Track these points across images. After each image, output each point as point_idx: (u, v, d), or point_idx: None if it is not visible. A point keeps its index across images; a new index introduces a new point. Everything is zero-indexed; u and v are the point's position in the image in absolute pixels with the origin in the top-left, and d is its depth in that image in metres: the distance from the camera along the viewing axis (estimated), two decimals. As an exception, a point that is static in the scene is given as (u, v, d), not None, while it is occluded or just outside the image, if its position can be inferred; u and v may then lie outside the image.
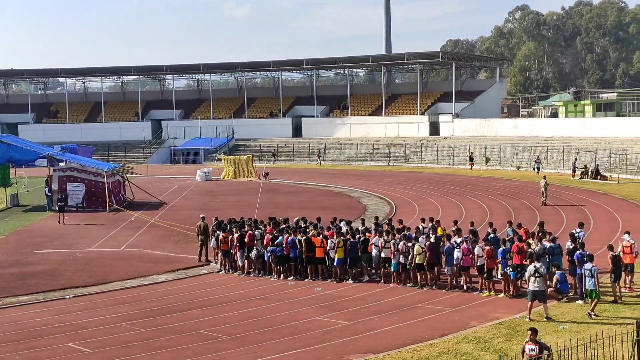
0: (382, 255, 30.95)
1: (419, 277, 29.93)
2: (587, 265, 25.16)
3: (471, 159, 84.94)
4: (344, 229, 33.62)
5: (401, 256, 30.11)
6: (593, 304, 24.76)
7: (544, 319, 24.13)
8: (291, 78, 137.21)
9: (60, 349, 22.98)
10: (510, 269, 27.56)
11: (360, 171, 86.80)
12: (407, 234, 31.67)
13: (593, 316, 24.36)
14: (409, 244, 30.04)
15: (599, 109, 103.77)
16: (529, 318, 24.20)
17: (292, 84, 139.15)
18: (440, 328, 23.77)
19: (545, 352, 16.80)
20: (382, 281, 30.96)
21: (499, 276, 28.30)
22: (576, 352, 17.00)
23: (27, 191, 67.37)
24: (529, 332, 17.03)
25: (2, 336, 24.59)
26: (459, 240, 29.86)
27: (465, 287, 28.94)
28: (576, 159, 74.02)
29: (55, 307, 28.76)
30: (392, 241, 30.74)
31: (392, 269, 30.68)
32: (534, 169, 75.05)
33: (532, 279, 24.67)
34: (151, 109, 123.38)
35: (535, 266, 24.83)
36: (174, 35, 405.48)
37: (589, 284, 24.90)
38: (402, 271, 30.34)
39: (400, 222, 35.44)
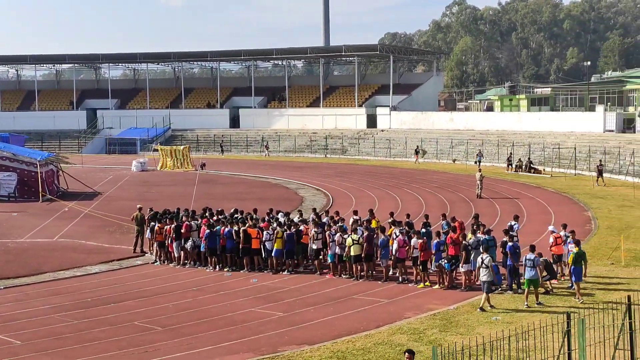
0: (314, 246, 31.05)
1: (354, 268, 30.05)
2: (529, 256, 25.46)
3: (417, 152, 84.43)
4: (282, 219, 33.64)
5: (337, 247, 30.22)
6: (536, 292, 25.28)
7: (477, 310, 24.43)
8: (229, 69, 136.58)
9: (-10, 340, 22.57)
10: (445, 261, 27.82)
11: (298, 163, 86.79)
12: (343, 225, 31.80)
13: (535, 305, 24.93)
14: (345, 236, 30.16)
15: (534, 103, 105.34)
16: (481, 308, 24.63)
17: (229, 74, 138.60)
18: (375, 319, 23.89)
19: None
20: (318, 272, 31.03)
21: (433, 268, 28.55)
22: (508, 343, 17.22)
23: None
24: (406, 354, 15.88)
25: None
26: (397, 231, 30.02)
27: (400, 279, 29.11)
28: (511, 154, 74.98)
29: (-14, 299, 28.24)
30: (328, 232, 30.87)
31: (329, 260, 30.80)
32: (475, 162, 75.47)
33: (481, 270, 25.11)
34: (86, 98, 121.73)
35: (482, 258, 25.18)
36: (110, 23, 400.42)
37: (529, 274, 25.16)
38: (339, 262, 30.44)
39: (337, 213, 35.50)
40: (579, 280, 25.94)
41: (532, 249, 25.99)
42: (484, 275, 24.98)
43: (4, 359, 20.82)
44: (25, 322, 24.63)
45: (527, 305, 24.78)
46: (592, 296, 25.88)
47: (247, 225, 32.20)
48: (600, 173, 59.31)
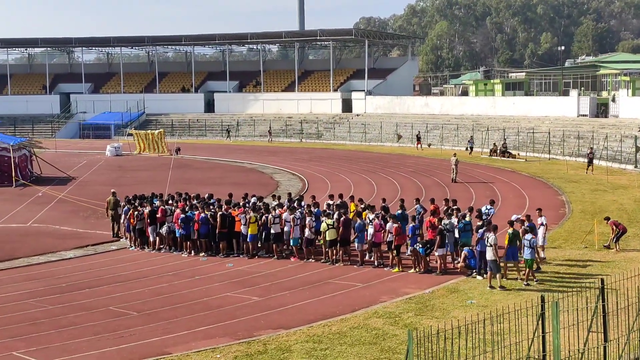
0: (272, 231, 31.03)
1: (330, 253, 30.10)
2: (527, 237, 25.95)
3: (418, 139, 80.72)
4: (257, 204, 33.63)
5: (307, 231, 30.32)
6: (528, 272, 25.75)
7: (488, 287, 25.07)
8: (203, 53, 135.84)
9: (-36, 326, 22.42)
10: (420, 245, 27.92)
11: (273, 147, 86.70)
12: (317, 210, 31.89)
13: (525, 285, 25.34)
14: (308, 220, 30.44)
15: (508, 88, 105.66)
16: (491, 286, 25.17)
17: (204, 58, 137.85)
18: (351, 303, 23.95)
19: None
20: (276, 257, 31.11)
21: (408, 252, 28.59)
22: (483, 326, 17.32)
23: None
24: None
25: None
26: (371, 216, 30.08)
27: (376, 263, 29.19)
28: (472, 137, 75.50)
29: (-41, 284, 28.04)
30: (292, 216, 30.88)
31: (292, 244, 30.91)
32: (466, 148, 74.61)
33: (487, 249, 25.55)
34: (59, 82, 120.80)
35: (487, 237, 25.61)
36: (84, 7, 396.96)
37: (526, 253, 25.71)
38: (306, 246, 30.56)
39: (313, 197, 35.52)
40: (516, 259, 26.51)
41: (532, 230, 26.74)
42: (490, 255, 25.35)
43: (-22, 345, 20.71)
44: (-1, 307, 24.52)
45: (526, 284, 25.38)
46: (566, 279, 26.10)
47: (224, 209, 32.15)
48: (590, 161, 57.80)
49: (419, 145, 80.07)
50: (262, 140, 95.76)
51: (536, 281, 25.59)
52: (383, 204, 32.64)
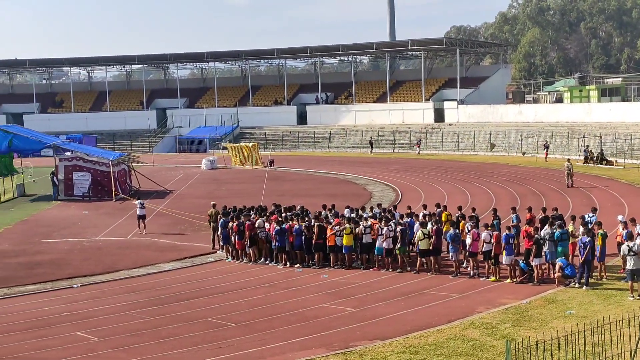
0: (363, 240, 31.14)
1: (418, 262, 30.15)
2: (630, 244, 25.05)
3: (546, 147, 77.40)
4: (348, 215, 33.76)
5: (385, 242, 30.43)
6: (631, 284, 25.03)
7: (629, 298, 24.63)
8: (295, 66, 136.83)
9: (69, 337, 23.06)
10: (522, 261, 27.61)
11: (366, 158, 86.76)
12: (411, 220, 31.89)
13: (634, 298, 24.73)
14: (397, 229, 30.46)
15: (604, 94, 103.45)
16: (632, 297, 24.59)
17: (296, 71, 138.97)
18: (447, 314, 23.80)
19: None
20: (363, 267, 31.29)
21: (504, 262, 28.23)
22: (583, 337, 17.04)
23: (34, 181, 67.48)
24: None
25: (11, 325, 24.71)
26: (469, 225, 29.89)
27: (472, 273, 28.96)
28: (587, 146, 73.48)
29: (63, 296, 28.88)
30: (377, 226, 30.93)
31: (376, 253, 31.01)
32: (585, 158, 70.81)
33: (628, 258, 24.86)
34: (156, 98, 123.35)
35: (628, 245, 24.97)
36: (178, 24, 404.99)
37: (635, 263, 24.76)
38: (387, 256, 30.56)
39: (409, 208, 35.46)
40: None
41: (630, 236, 25.94)
42: (630, 263, 24.72)
43: (83, 355, 21.28)
44: (102, 319, 25.13)
45: (632, 297, 24.64)
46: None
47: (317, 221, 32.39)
48: None
49: (547, 156, 75.96)
50: (356, 152, 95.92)
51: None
52: (473, 214, 32.40)
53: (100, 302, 27.53)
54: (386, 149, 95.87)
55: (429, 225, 30.38)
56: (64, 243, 39.74)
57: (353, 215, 33.73)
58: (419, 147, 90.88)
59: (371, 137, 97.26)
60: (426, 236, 29.69)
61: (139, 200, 43.75)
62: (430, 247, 29.69)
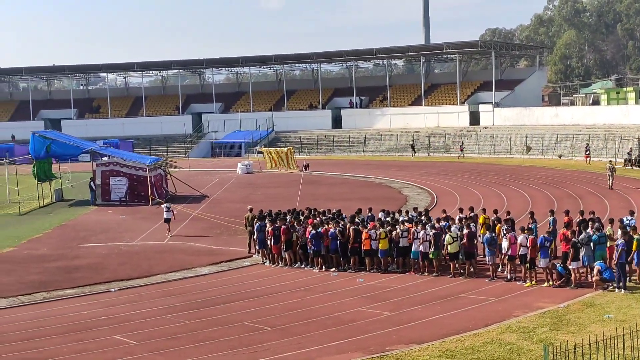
0: (400, 244, 31.15)
1: (452, 266, 30.15)
2: None
3: (587, 150, 75.93)
4: (383, 218, 33.75)
5: (422, 245, 30.43)
6: None
7: None
8: (330, 69, 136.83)
9: (107, 341, 23.28)
10: (559, 265, 27.43)
11: (401, 162, 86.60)
12: (446, 224, 31.80)
13: None
14: (430, 233, 30.45)
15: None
16: None
17: (330, 75, 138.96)
18: (483, 318, 23.71)
19: None
20: (399, 271, 31.33)
21: (541, 265, 28.08)
22: (622, 341, 16.89)
23: (71, 186, 68.15)
24: None
25: (50, 329, 24.99)
26: (504, 229, 29.78)
27: (509, 277, 28.82)
28: (631, 149, 72.58)
29: (101, 300, 29.13)
30: (413, 230, 30.90)
31: (412, 257, 30.98)
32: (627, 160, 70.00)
33: None
34: (191, 103, 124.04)
35: None
36: (212, 28, 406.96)
37: None
38: (423, 260, 30.54)
39: (444, 211, 35.36)
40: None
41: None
42: None
43: (121, 358, 21.47)
44: (139, 322, 25.34)
45: None
46: None
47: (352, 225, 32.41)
48: None
49: (588, 159, 74.45)
50: (391, 155, 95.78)
51: None
52: (508, 217, 32.24)
53: (138, 306, 27.75)
54: (421, 152, 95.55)
55: (453, 228, 30.52)
56: (101, 247, 40.09)
57: (388, 219, 33.68)
58: (461, 150, 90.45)
59: (412, 141, 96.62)
60: (455, 240, 29.70)
61: (165, 204, 44.28)
62: (460, 250, 29.70)
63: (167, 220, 43.07)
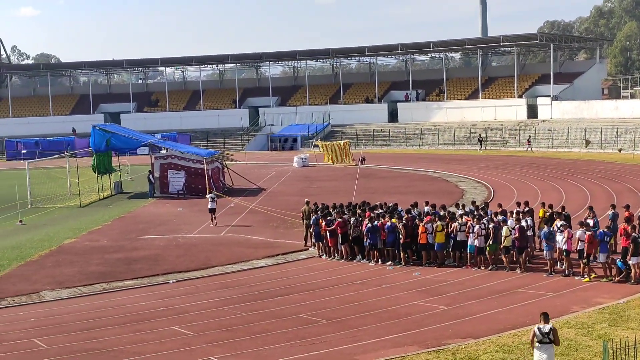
0: (457, 238, 31.05)
1: (505, 260, 29.94)
2: None
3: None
4: (442, 212, 33.58)
5: (477, 239, 30.31)
6: None
7: None
8: (386, 63, 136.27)
9: (165, 332, 23.57)
10: (619, 260, 27.08)
11: (457, 155, 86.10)
12: (504, 217, 31.58)
13: None
14: (490, 226, 30.33)
15: None
16: None
17: (387, 69, 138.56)
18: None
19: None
20: (455, 265, 31.30)
21: (600, 260, 27.75)
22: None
23: (130, 179, 69.05)
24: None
25: (109, 319, 25.37)
26: (559, 224, 29.49)
27: (566, 272, 28.53)
28: None
29: (159, 292, 29.50)
30: (469, 223, 30.74)
31: (468, 251, 30.87)
32: None
33: None
34: (248, 96, 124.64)
35: None
36: (269, 23, 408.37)
37: None
38: (478, 254, 30.35)
39: (500, 205, 35.08)
40: None
41: None
42: None
43: (179, 349, 21.73)
44: (196, 314, 25.60)
45: None
46: None
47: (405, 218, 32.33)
48: None
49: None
50: (447, 149, 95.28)
51: None
52: (563, 212, 31.90)
53: (195, 298, 28.03)
54: (477, 146, 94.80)
55: (510, 222, 30.40)
56: (160, 239, 40.55)
57: (444, 212, 33.53)
58: (529, 144, 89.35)
59: (480, 135, 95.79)
60: (510, 233, 29.59)
61: (210, 194, 45.00)
62: (513, 244, 29.55)
63: (212, 210, 44.19)
